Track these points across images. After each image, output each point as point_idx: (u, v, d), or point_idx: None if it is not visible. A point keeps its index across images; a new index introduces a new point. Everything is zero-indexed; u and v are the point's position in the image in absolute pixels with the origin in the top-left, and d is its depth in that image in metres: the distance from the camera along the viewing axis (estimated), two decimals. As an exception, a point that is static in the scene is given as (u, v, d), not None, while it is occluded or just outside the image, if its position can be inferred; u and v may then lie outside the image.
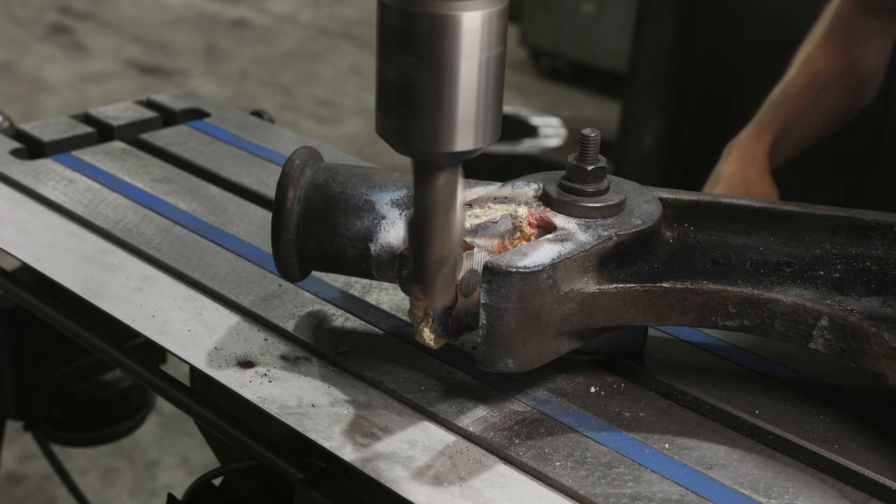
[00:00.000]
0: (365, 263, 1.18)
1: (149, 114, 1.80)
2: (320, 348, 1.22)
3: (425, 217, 0.97)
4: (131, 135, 1.75)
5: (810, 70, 1.84)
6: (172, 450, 3.24)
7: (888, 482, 1.04)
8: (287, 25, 7.13)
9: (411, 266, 1.02)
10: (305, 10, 7.46)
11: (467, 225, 1.13)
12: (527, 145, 4.98)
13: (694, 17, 3.84)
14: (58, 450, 2.00)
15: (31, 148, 1.68)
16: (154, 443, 3.25)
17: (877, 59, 1.82)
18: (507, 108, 4.98)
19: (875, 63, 1.83)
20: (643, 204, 1.18)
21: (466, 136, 0.92)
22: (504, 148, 4.82)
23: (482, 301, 1.06)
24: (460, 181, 0.97)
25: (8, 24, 6.73)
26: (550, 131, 5.11)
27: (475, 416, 1.12)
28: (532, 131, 5.10)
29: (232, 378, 1.17)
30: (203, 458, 3.15)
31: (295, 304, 1.30)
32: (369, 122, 5.20)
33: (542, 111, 5.41)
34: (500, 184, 1.21)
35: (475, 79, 0.91)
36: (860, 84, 1.85)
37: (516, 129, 5.04)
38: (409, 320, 1.15)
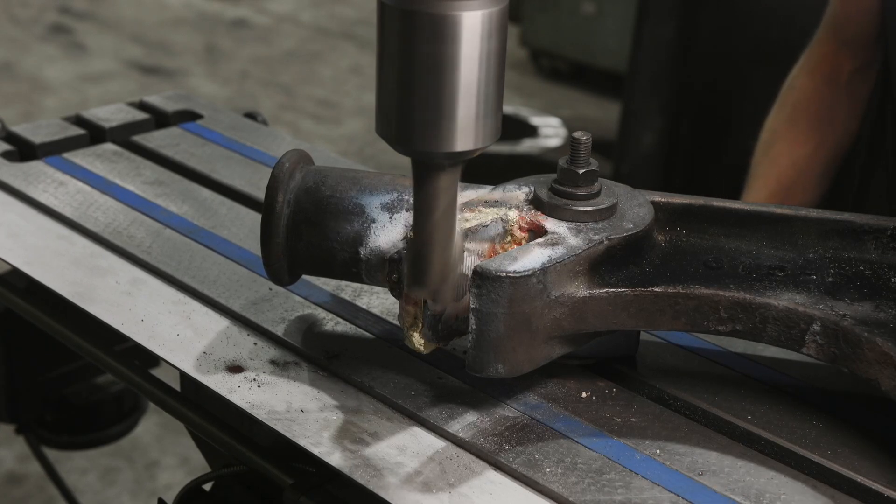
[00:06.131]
0: (355, 267, 1.18)
1: (141, 115, 1.79)
2: (310, 353, 1.21)
3: (425, 217, 0.96)
4: (123, 137, 1.74)
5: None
6: (172, 450, 3.23)
7: (881, 488, 1.03)
8: (287, 25, 7.13)
9: (412, 266, 1.01)
10: (305, 10, 7.45)
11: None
12: (527, 145, 4.98)
13: (694, 16, 3.84)
14: (56, 450, 1.99)
15: (22, 150, 1.67)
16: (154, 443, 3.25)
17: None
18: (507, 108, 4.98)
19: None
20: (635, 207, 1.17)
21: (466, 136, 0.92)
22: (504, 148, 4.81)
23: (472, 306, 1.05)
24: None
25: (8, 24, 6.73)
26: (550, 131, 5.10)
27: (465, 422, 1.11)
28: (532, 131, 5.10)
29: (220, 383, 1.16)
30: (203, 459, 3.15)
31: (285, 307, 1.29)
32: (369, 122, 5.20)
33: (542, 111, 5.41)
34: (490, 187, 1.20)
35: (475, 79, 0.90)
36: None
37: (516, 129, 5.03)
38: (399, 325, 1.14)
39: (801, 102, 1.82)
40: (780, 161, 1.81)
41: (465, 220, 1.14)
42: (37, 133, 1.70)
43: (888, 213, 1.25)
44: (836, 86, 1.80)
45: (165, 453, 3.23)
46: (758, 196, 1.81)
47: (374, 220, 1.17)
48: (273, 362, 1.20)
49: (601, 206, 1.14)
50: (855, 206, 1.84)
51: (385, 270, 1.16)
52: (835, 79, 1.80)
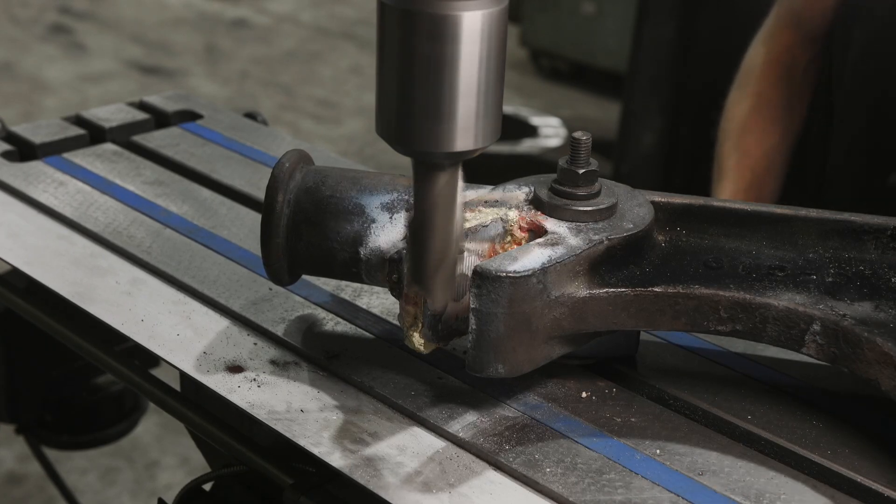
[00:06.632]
0: (355, 267, 1.18)
1: (141, 115, 1.79)
2: (310, 353, 1.21)
3: (425, 217, 0.96)
4: (123, 137, 1.74)
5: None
6: (172, 450, 3.23)
7: (881, 488, 1.03)
8: (287, 25, 7.13)
9: (411, 266, 1.01)
10: (305, 10, 7.45)
11: None
12: (527, 145, 4.98)
13: (694, 16, 3.84)
14: (56, 450, 1.99)
15: (22, 150, 1.67)
16: (154, 443, 3.25)
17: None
18: (507, 108, 4.98)
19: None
20: (635, 207, 1.17)
21: (466, 136, 0.92)
22: (504, 148, 4.81)
23: (472, 306, 1.05)
24: (460, 181, 0.96)
25: (8, 24, 6.73)
26: (550, 131, 5.10)
27: (465, 422, 1.11)
28: (532, 131, 5.10)
29: (220, 383, 1.16)
30: (203, 459, 3.15)
31: (285, 308, 1.29)
32: (369, 122, 5.20)
33: (542, 111, 5.41)
34: (490, 187, 1.20)
35: (475, 79, 0.90)
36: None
37: (516, 129, 5.03)
38: (399, 325, 1.14)
39: (765, 93, 1.87)
40: (753, 153, 1.85)
41: (465, 220, 1.14)
42: (37, 133, 1.70)
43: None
44: (795, 77, 1.85)
45: (165, 453, 3.23)
46: (733, 189, 1.85)
47: (374, 220, 1.17)
48: (273, 362, 1.20)
49: (601, 206, 1.14)
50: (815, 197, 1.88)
51: (385, 270, 1.16)
52: (793, 70, 1.85)
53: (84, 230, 1.45)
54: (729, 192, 1.83)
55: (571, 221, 1.13)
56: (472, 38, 0.89)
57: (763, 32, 1.89)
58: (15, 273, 1.44)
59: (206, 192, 1.58)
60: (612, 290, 1.09)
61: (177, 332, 1.25)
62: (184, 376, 1.21)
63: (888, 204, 1.21)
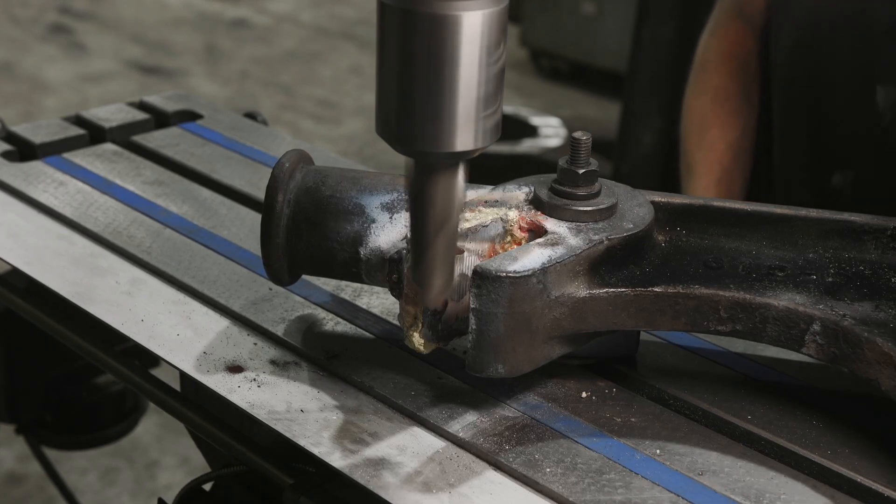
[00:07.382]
0: (355, 267, 1.18)
1: (141, 115, 1.79)
2: (310, 353, 1.21)
3: (424, 217, 0.96)
4: (123, 137, 1.74)
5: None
6: (172, 450, 3.24)
7: (881, 488, 1.03)
8: (287, 25, 7.13)
9: (410, 265, 1.01)
10: (305, 10, 7.46)
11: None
12: (527, 145, 4.98)
13: (694, 16, 3.83)
14: (56, 450, 1.99)
15: (22, 150, 1.67)
16: (154, 443, 3.25)
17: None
18: (507, 108, 4.98)
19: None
20: (635, 207, 1.17)
21: (466, 136, 0.92)
22: (504, 148, 4.82)
23: (472, 306, 1.05)
24: (461, 181, 0.96)
25: (8, 24, 6.73)
26: (550, 131, 5.10)
27: (465, 422, 1.11)
28: (532, 131, 5.10)
29: (220, 383, 1.16)
30: (203, 459, 3.15)
31: (285, 308, 1.29)
32: (369, 122, 5.21)
33: (542, 111, 5.41)
34: (490, 187, 1.20)
35: (475, 79, 0.90)
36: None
37: (516, 129, 5.04)
38: (399, 325, 1.14)
39: (721, 86, 1.86)
40: (717, 146, 1.84)
41: (464, 220, 1.14)
42: (37, 133, 1.70)
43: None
44: (750, 67, 1.84)
45: (165, 453, 3.24)
46: (704, 183, 1.84)
47: (374, 220, 1.17)
48: (273, 362, 1.20)
49: (601, 206, 1.14)
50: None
51: (385, 270, 1.16)
52: (748, 61, 1.84)
53: (84, 230, 1.45)
54: (700, 188, 1.83)
55: (571, 221, 1.13)
56: (472, 38, 0.89)
57: (710, 25, 1.89)
58: (15, 273, 1.44)
59: (206, 192, 1.58)
60: (612, 290, 1.09)
61: (177, 332, 1.25)
62: (184, 376, 1.21)
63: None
